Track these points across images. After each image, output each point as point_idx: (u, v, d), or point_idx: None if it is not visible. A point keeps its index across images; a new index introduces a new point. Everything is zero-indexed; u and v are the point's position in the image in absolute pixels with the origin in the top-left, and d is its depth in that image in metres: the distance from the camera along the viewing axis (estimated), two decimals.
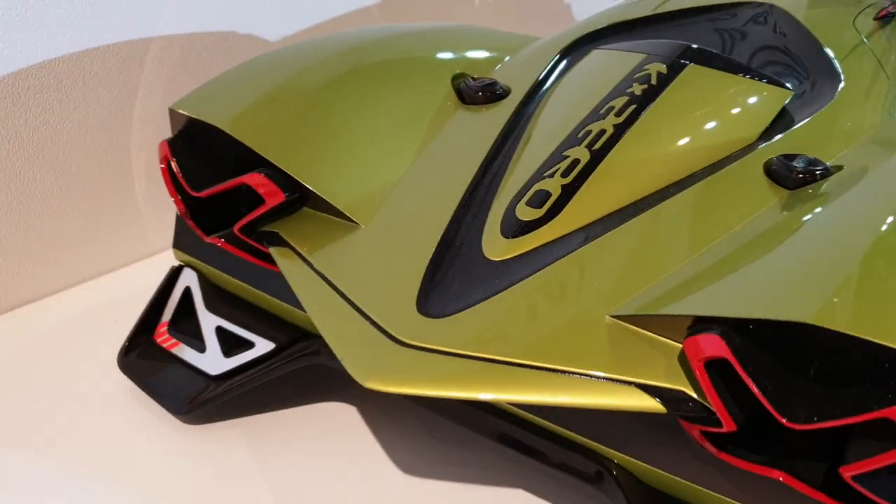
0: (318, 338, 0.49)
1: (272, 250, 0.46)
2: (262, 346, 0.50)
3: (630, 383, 0.36)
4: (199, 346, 0.53)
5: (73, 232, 0.64)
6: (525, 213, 0.45)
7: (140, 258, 0.69)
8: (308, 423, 0.52)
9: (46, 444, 0.49)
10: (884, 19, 0.68)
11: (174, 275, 0.56)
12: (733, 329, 0.34)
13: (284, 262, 0.45)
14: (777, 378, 0.33)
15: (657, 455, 0.40)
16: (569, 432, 0.42)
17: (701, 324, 0.36)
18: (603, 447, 0.41)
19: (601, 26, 0.65)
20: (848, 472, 0.32)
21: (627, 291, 0.40)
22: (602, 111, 0.51)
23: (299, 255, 0.45)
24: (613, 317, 0.39)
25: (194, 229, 0.50)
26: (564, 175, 0.47)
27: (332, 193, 0.46)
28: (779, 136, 0.51)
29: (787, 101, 0.54)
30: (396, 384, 0.37)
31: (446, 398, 0.38)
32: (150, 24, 0.65)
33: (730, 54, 0.58)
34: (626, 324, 0.39)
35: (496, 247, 0.44)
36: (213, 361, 0.52)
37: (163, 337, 0.55)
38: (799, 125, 0.52)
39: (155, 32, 0.66)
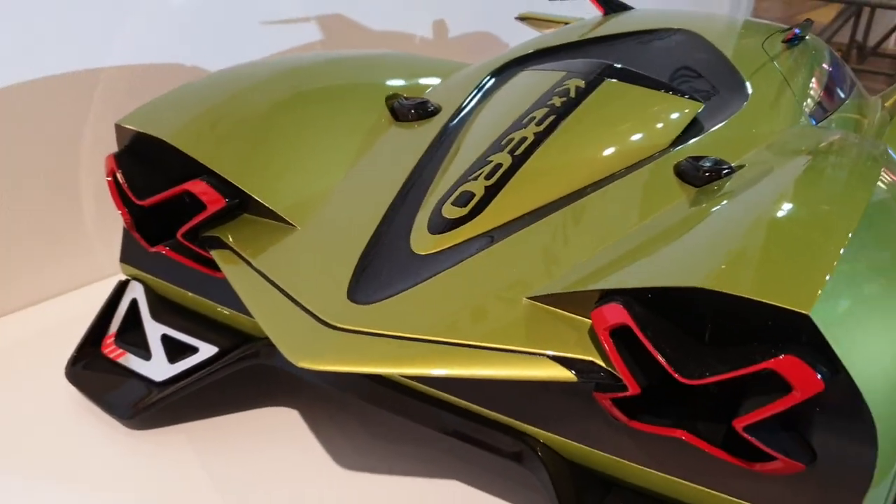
0: (258, 340, 0.51)
1: (214, 253, 0.48)
2: (206, 350, 0.52)
3: (544, 356, 0.39)
4: (145, 355, 0.54)
5: (22, 256, 0.66)
6: (451, 211, 0.48)
7: (89, 282, 0.71)
8: (251, 425, 0.54)
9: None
10: (790, 42, 0.73)
11: (121, 288, 0.58)
12: (634, 299, 0.37)
13: (225, 263, 0.47)
14: (674, 341, 0.36)
15: (576, 431, 0.42)
16: (496, 414, 0.44)
17: (607, 297, 0.39)
18: (527, 426, 0.44)
19: (530, 51, 0.70)
20: (740, 424, 0.35)
21: (544, 278, 0.43)
22: (524, 121, 0.55)
23: (239, 255, 0.47)
24: (530, 298, 0.42)
25: (139, 240, 0.52)
26: (488, 178, 0.50)
27: (271, 198, 0.49)
28: (690, 142, 0.55)
29: (698, 112, 0.58)
30: (326, 363, 0.39)
31: (373, 375, 0.40)
32: (100, 58, 0.68)
33: (649, 72, 0.63)
34: (541, 304, 0.42)
35: (423, 242, 0.47)
36: (158, 368, 0.54)
37: (109, 348, 0.56)
38: (708, 132, 0.57)
39: (105, 64, 0.68)
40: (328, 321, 0.41)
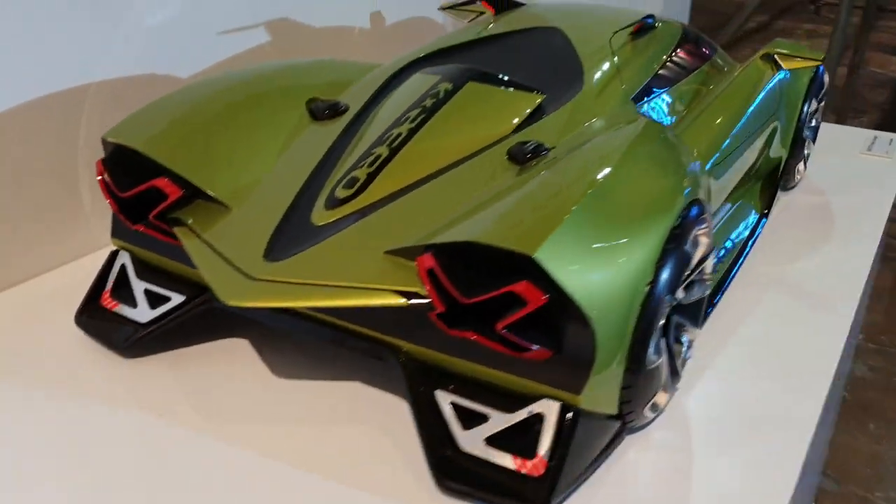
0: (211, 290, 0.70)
1: (176, 229, 0.68)
2: (176, 298, 0.72)
3: (390, 290, 0.59)
4: (133, 304, 0.74)
5: (31, 232, 0.86)
6: (341, 193, 0.67)
7: (88, 252, 0.91)
8: (215, 352, 0.74)
9: (20, 379, 0.70)
10: (636, 34, 0.91)
11: (112, 257, 0.77)
12: (443, 250, 0.56)
13: (183, 237, 0.67)
14: (462, 277, 0.55)
15: (420, 338, 0.60)
16: (372, 331, 0.63)
17: (427, 249, 0.58)
18: (391, 337, 0.63)
19: (427, 52, 0.88)
20: (499, 326, 0.54)
21: (400, 238, 0.62)
22: (402, 119, 0.73)
23: (192, 230, 0.67)
24: (386, 252, 0.61)
25: (124, 221, 0.71)
26: (370, 166, 0.69)
27: (213, 188, 0.68)
28: (525, 129, 0.74)
29: (540, 103, 0.76)
30: (245, 301, 0.59)
31: (283, 309, 0.60)
32: (87, 74, 0.86)
33: (512, 70, 0.81)
34: (393, 256, 0.61)
35: (319, 216, 0.66)
36: (142, 313, 0.73)
37: (107, 301, 0.75)
38: (542, 120, 0.75)
39: (93, 79, 0.87)
40: (248, 273, 0.61)
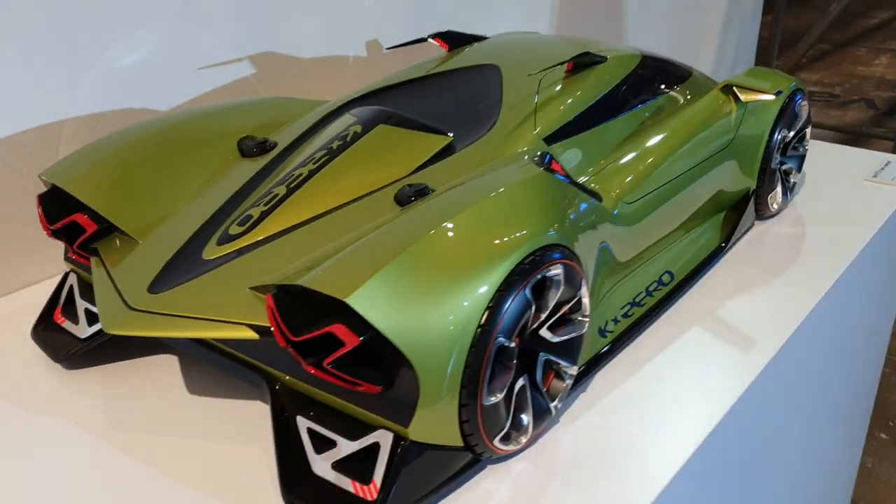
0: None
1: (92, 259, 0.76)
2: None
3: (245, 324, 0.64)
4: (76, 321, 0.83)
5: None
6: (234, 230, 0.73)
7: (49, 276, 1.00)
8: (142, 369, 0.82)
9: None
10: (571, 71, 0.93)
11: (65, 277, 0.86)
12: (284, 290, 0.62)
13: (94, 265, 0.75)
14: (294, 316, 0.60)
15: (287, 368, 0.67)
16: (248, 358, 0.70)
17: (277, 287, 0.63)
18: (265, 366, 0.69)
19: (367, 91, 0.93)
20: (325, 363, 0.59)
21: (271, 274, 0.68)
22: (307, 160, 0.79)
23: (101, 259, 0.75)
24: (250, 288, 0.67)
25: (65, 244, 0.80)
26: (266, 205, 0.75)
27: (123, 223, 0.76)
28: (422, 171, 0.78)
29: (444, 146, 0.80)
30: (121, 329, 0.66)
31: (155, 337, 0.67)
32: (63, 109, 0.96)
33: (434, 110, 0.85)
34: (255, 292, 0.67)
35: (210, 251, 0.72)
36: (82, 329, 0.82)
37: (58, 317, 0.85)
38: (439, 163, 0.79)
39: (68, 115, 0.97)
40: (129, 303, 0.68)
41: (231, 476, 0.68)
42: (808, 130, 1.14)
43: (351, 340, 0.58)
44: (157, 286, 0.70)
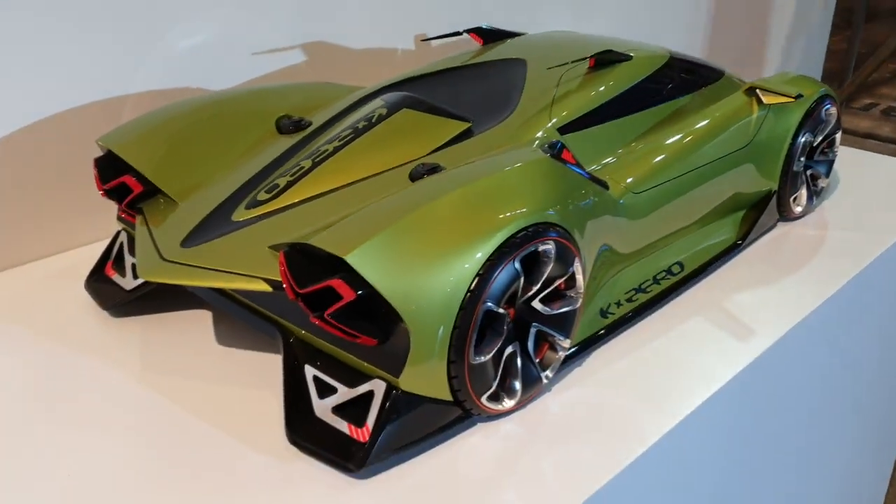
0: None
1: (137, 217, 0.85)
2: None
3: (264, 279, 0.72)
4: (123, 274, 0.91)
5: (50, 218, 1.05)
6: (262, 196, 0.81)
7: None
8: (179, 320, 0.90)
9: (30, 328, 0.90)
10: (593, 68, 0.98)
11: (117, 235, 0.95)
12: (295, 248, 0.69)
13: (138, 223, 0.83)
14: (303, 271, 0.67)
15: (297, 321, 0.74)
16: (269, 312, 0.77)
17: (290, 245, 0.70)
18: (280, 318, 0.76)
19: (402, 78, 1.00)
20: (325, 314, 0.66)
21: (289, 237, 0.75)
22: (334, 137, 0.86)
23: (145, 218, 0.83)
24: (269, 247, 0.74)
25: (116, 203, 0.89)
26: (292, 175, 0.82)
27: (166, 185, 0.84)
28: (439, 152, 0.84)
29: (462, 130, 0.86)
30: (153, 277, 0.74)
31: (183, 286, 0.75)
32: (127, 84, 1.06)
33: (457, 99, 0.91)
34: (272, 250, 0.74)
35: (238, 213, 0.80)
36: (129, 282, 0.91)
37: (109, 270, 0.94)
38: (455, 146, 0.85)
39: (131, 91, 1.06)
40: (163, 255, 0.76)
41: (245, 416, 0.75)
42: (838, 136, 1.16)
43: (348, 294, 0.64)
44: (188, 242, 0.78)
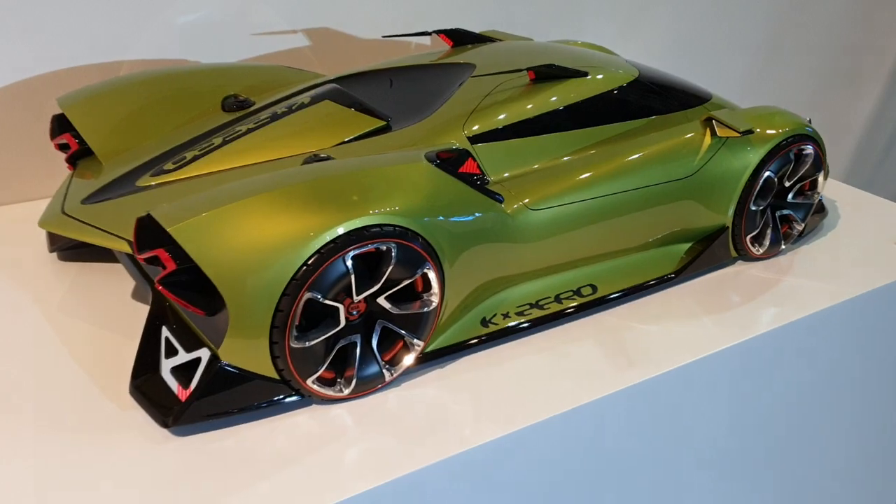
0: None
1: (73, 171, 0.94)
2: None
3: (126, 240, 0.79)
4: None
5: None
6: (168, 166, 0.88)
7: None
8: (107, 270, 0.99)
9: None
10: (533, 80, 0.98)
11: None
12: (150, 217, 0.75)
13: (68, 176, 0.93)
14: (146, 238, 0.73)
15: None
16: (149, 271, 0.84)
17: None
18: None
19: (352, 72, 1.05)
20: (156, 281, 0.72)
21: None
22: (251, 119, 0.92)
23: (74, 173, 0.92)
24: (148, 213, 0.81)
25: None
26: (199, 151, 0.89)
27: (97, 146, 0.93)
28: (343, 145, 0.88)
29: (376, 127, 0.90)
30: (46, 227, 0.83)
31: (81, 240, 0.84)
32: (122, 52, 1.16)
33: (386, 97, 0.95)
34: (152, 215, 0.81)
35: (144, 179, 0.87)
36: None
37: None
38: (361, 141, 0.89)
39: (125, 58, 1.16)
40: (64, 209, 0.85)
41: (114, 363, 0.83)
42: (820, 178, 1.11)
43: (170, 264, 0.70)
44: (89, 199, 0.86)
